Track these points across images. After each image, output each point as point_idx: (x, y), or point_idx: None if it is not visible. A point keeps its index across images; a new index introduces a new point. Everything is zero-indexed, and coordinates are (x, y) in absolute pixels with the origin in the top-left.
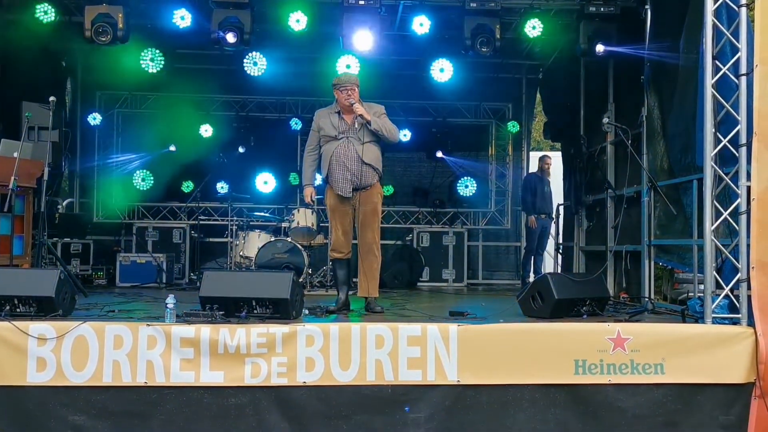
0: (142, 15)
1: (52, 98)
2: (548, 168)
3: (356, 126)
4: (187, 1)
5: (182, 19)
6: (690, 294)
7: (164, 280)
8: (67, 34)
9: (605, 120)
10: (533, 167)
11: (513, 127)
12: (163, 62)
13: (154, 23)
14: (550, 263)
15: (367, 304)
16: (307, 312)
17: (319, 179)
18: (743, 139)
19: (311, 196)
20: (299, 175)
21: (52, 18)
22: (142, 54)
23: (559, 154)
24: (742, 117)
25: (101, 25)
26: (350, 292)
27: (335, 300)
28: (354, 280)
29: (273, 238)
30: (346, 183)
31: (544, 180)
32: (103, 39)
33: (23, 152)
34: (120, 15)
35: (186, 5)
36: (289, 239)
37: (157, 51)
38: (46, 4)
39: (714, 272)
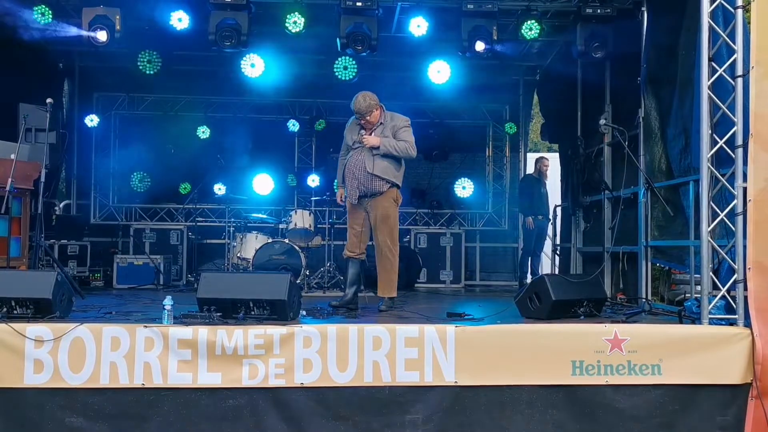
0: (139, 17)
1: (49, 100)
2: (545, 169)
3: None
4: (184, 3)
5: (180, 21)
6: (687, 295)
7: (161, 282)
8: (64, 36)
9: (602, 121)
10: (530, 169)
11: (510, 128)
12: (160, 64)
13: (151, 25)
14: (547, 264)
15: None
16: (304, 313)
17: None
18: (740, 141)
19: (341, 197)
20: (296, 176)
21: (50, 20)
22: (140, 56)
23: (556, 155)
24: (739, 118)
25: (98, 27)
26: (361, 294)
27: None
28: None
29: (270, 240)
30: (353, 191)
31: (541, 181)
32: (101, 41)
33: (20, 154)
34: (117, 17)
35: (184, 7)
36: (286, 241)
37: (155, 53)
38: (43, 6)
39: (711, 273)
